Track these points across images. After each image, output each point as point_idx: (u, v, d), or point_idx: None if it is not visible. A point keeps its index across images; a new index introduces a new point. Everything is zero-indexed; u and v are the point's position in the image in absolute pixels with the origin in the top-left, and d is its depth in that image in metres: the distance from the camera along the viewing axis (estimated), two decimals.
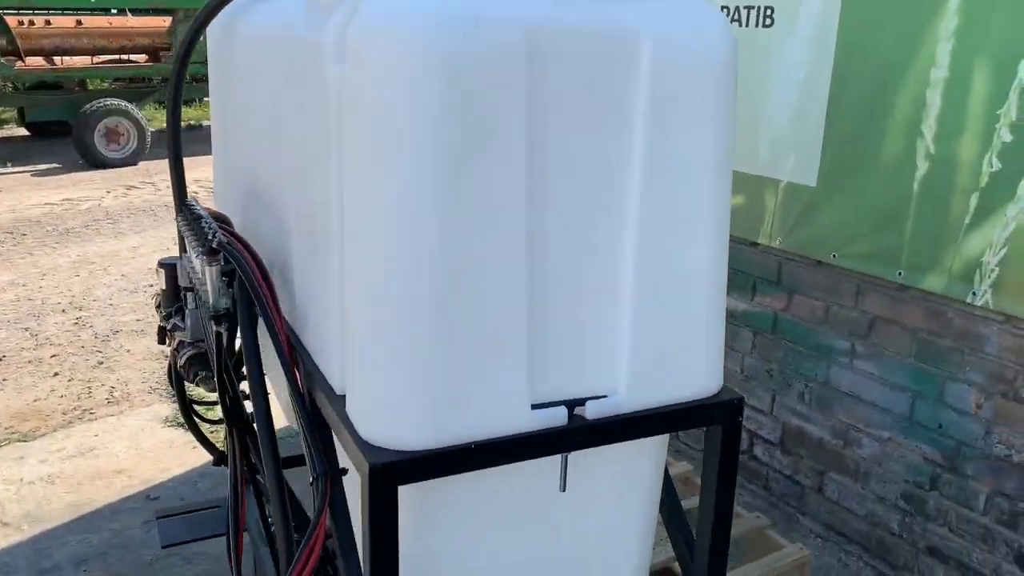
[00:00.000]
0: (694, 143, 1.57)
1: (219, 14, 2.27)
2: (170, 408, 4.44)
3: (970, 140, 2.64)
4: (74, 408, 4.45)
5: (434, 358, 1.45)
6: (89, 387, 4.68)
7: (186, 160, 9.44)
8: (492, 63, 1.37)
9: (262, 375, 1.85)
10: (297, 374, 1.83)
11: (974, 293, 2.68)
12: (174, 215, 2.59)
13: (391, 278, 1.43)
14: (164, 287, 2.70)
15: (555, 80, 1.44)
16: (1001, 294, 2.62)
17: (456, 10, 1.35)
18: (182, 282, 2.48)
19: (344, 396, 1.65)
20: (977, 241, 2.66)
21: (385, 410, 1.49)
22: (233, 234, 2.02)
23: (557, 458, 1.66)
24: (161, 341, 2.67)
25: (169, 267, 2.68)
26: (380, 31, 1.36)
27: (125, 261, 6.92)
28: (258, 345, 1.87)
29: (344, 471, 1.74)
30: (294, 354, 1.85)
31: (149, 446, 4.08)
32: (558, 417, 1.57)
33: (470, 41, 1.35)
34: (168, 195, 9.08)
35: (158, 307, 2.87)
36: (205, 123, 13.64)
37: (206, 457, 3.97)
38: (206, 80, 10.63)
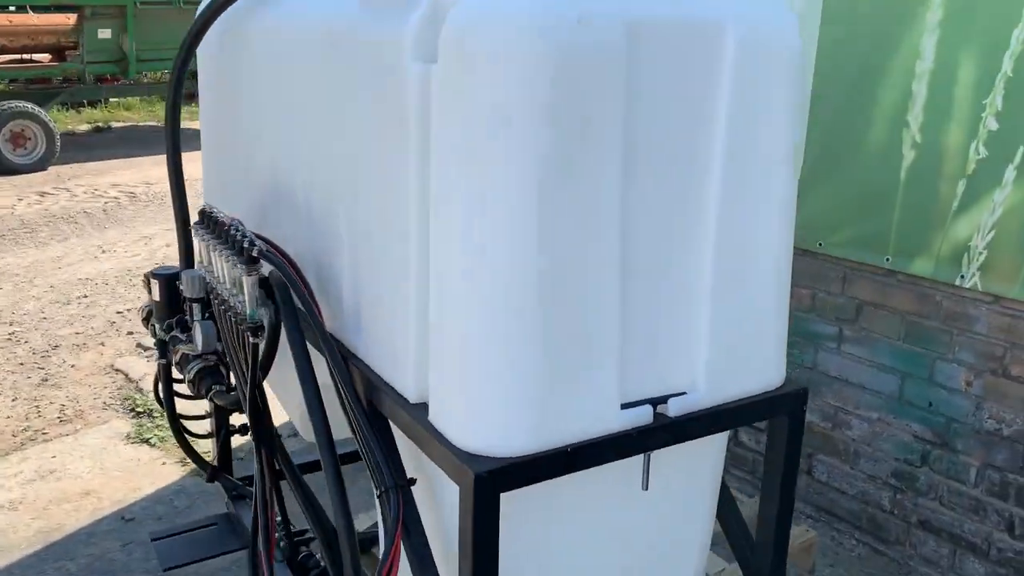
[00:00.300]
0: (771, 136, 1.59)
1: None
2: (130, 424, 4.25)
3: (956, 129, 2.75)
4: (24, 429, 4.21)
5: (535, 363, 1.43)
6: (37, 406, 4.44)
7: (99, 164, 9.12)
8: (596, 58, 1.36)
9: (317, 385, 1.78)
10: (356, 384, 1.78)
11: (962, 276, 2.80)
12: (176, 224, 2.47)
13: (494, 282, 1.40)
14: (158, 299, 2.59)
15: (647, 74, 1.43)
16: (990, 276, 2.73)
17: (561, 6, 1.32)
18: (190, 292, 2.38)
19: (420, 404, 1.61)
20: (965, 226, 2.77)
21: (484, 417, 1.46)
22: (269, 243, 1.94)
23: (633, 458, 1.65)
24: (163, 355, 2.55)
25: (164, 278, 2.56)
26: (487, 28, 1.33)
27: (51, 272, 6.59)
28: (309, 355, 1.81)
29: (412, 481, 1.70)
30: (349, 363, 1.80)
31: (114, 465, 3.90)
32: (645, 416, 1.57)
33: (576, 37, 1.33)
34: (86, 201, 8.70)
35: (145, 320, 2.75)
36: (115, 124, 13.10)
37: (177, 474, 3.84)
38: (109, 80, 10.04)
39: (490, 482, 1.42)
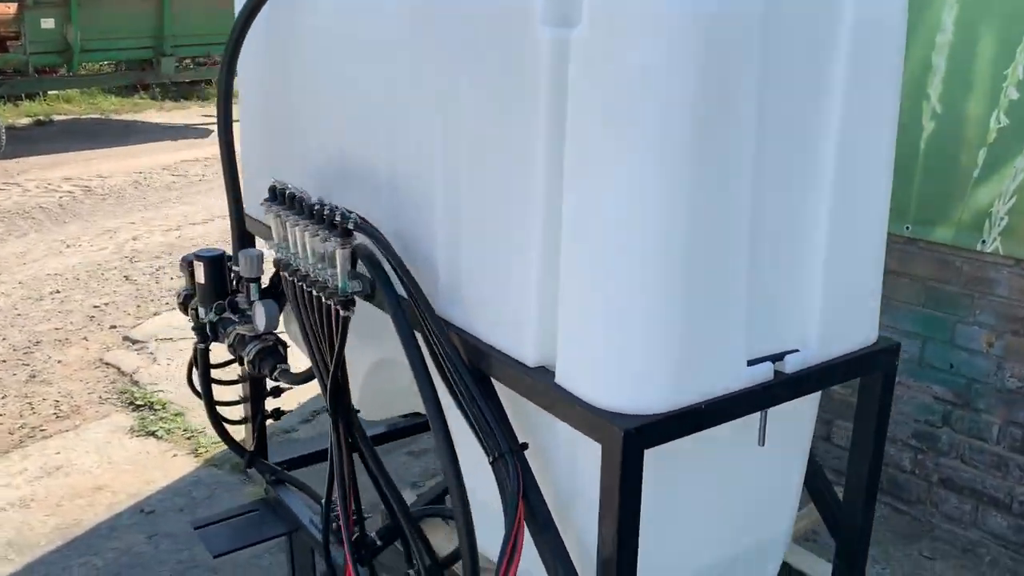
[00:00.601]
0: (880, 99, 1.64)
1: None
2: (131, 418, 4.15)
3: (977, 99, 2.85)
4: (20, 427, 4.09)
5: (678, 323, 1.46)
6: (30, 403, 4.30)
7: (46, 158, 8.88)
8: (741, 22, 1.38)
9: (422, 353, 1.77)
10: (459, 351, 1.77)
11: (983, 241, 2.91)
12: (228, 204, 2.41)
13: (642, 243, 1.41)
14: (203, 281, 2.54)
15: (776, 40, 1.46)
16: (1011, 240, 2.85)
17: None
18: (248, 272, 2.35)
19: (539, 369, 1.62)
20: (986, 193, 2.88)
21: (626, 377, 1.48)
22: (359, 216, 1.92)
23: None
24: (203, 340, 2.50)
25: (209, 259, 2.52)
26: None
27: (16, 268, 6.37)
28: (412, 327, 1.80)
29: (525, 445, 1.71)
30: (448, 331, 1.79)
31: (122, 458, 3.81)
32: (766, 373, 1.61)
33: (724, 2, 1.35)
34: (39, 196, 8.43)
35: (183, 305, 2.69)
36: (56, 117, 12.67)
37: (190, 465, 3.77)
38: (49, 72, 9.68)
39: (637, 439, 1.44)
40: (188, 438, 3.96)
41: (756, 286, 1.57)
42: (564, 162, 1.48)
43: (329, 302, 1.93)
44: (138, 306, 5.57)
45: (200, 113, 13.09)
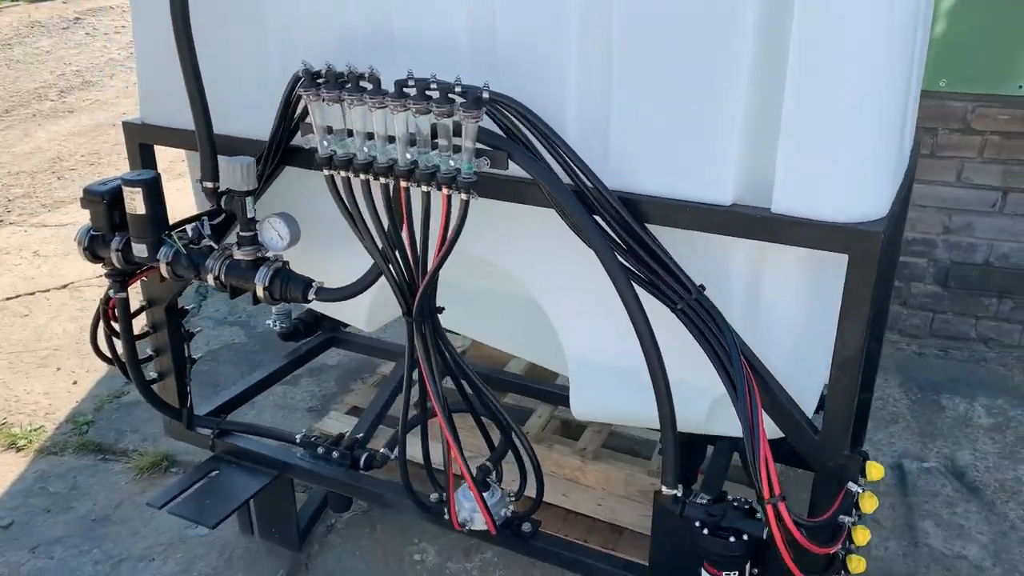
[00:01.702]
0: None
1: None
2: None
3: None
4: None
5: (898, 129, 1.60)
6: None
7: None
8: None
9: (591, 215, 1.70)
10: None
11: None
12: (196, 119, 1.97)
13: (883, 54, 1.51)
14: (142, 211, 2.11)
15: None
16: None
17: None
18: (246, 184, 2.00)
19: (734, 206, 1.66)
20: None
21: (868, 188, 1.59)
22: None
23: None
24: (194, 275, 2.07)
25: (146, 183, 2.10)
26: None
27: None
28: (573, 196, 1.70)
29: (703, 287, 1.76)
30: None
31: None
32: (900, 172, 1.83)
33: None
34: None
35: (90, 250, 2.20)
36: None
37: (20, 462, 3.21)
38: None
39: (885, 242, 1.58)
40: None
41: None
42: None
43: (432, 190, 1.73)
44: None
45: None
